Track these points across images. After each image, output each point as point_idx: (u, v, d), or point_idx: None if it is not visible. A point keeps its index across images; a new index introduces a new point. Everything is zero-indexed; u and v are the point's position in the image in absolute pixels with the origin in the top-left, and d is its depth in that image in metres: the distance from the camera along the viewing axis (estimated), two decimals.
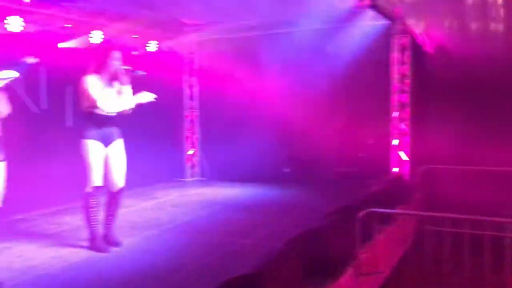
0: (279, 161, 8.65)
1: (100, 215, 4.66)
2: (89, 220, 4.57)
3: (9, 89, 3.95)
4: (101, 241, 4.60)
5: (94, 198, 4.54)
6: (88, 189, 4.52)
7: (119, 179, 4.70)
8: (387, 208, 4.90)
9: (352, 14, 7.16)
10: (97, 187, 4.55)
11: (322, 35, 7.77)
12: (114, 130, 4.66)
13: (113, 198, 4.73)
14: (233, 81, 8.54)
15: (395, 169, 7.70)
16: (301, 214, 6.11)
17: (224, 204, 6.83)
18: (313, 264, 3.67)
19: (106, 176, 4.65)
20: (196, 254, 4.55)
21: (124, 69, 4.55)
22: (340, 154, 8.14)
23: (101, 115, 4.53)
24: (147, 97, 4.72)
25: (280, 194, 7.57)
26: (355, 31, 7.52)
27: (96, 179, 4.53)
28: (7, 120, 3.89)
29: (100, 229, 4.63)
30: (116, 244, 4.71)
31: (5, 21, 5.88)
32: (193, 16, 8.17)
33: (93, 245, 4.57)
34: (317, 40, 7.79)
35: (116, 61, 4.54)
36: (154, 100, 4.78)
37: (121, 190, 4.73)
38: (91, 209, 4.54)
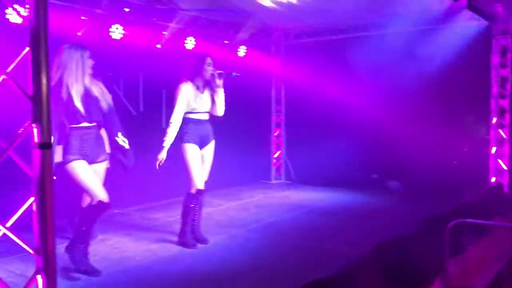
0: (367, 167, 8.45)
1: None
2: (185, 218, 4.80)
3: (111, 91, 4.30)
4: (191, 237, 4.83)
5: (195, 200, 4.77)
6: (192, 191, 4.75)
7: (204, 177, 4.93)
8: (482, 220, 4.60)
9: (447, 15, 6.84)
10: (200, 190, 4.76)
11: (415, 37, 7.50)
12: (209, 132, 4.89)
13: (200, 194, 4.93)
14: (320, 85, 8.51)
15: (493, 179, 7.21)
16: (387, 221, 5.93)
17: (308, 207, 6.82)
18: (399, 273, 3.57)
19: None
20: (277, 255, 4.60)
21: (218, 73, 4.74)
22: (433, 161, 7.76)
23: (196, 119, 4.76)
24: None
25: (367, 200, 7.38)
26: (450, 32, 7.16)
27: (199, 183, 4.75)
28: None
29: (190, 228, 4.86)
30: (203, 241, 4.90)
31: (110, 30, 6.39)
32: (282, 20, 8.27)
33: (182, 241, 4.81)
34: (409, 42, 7.53)
35: (209, 67, 4.75)
36: None
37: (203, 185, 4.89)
38: (190, 209, 4.78)
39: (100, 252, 4.56)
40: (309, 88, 8.64)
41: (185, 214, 4.81)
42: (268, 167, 9.37)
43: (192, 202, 4.77)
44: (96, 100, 3.91)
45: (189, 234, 4.83)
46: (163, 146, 4.64)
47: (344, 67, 8.18)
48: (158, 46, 7.09)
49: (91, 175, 3.84)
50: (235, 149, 7.80)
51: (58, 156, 3.73)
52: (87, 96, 3.85)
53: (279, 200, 7.44)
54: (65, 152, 3.78)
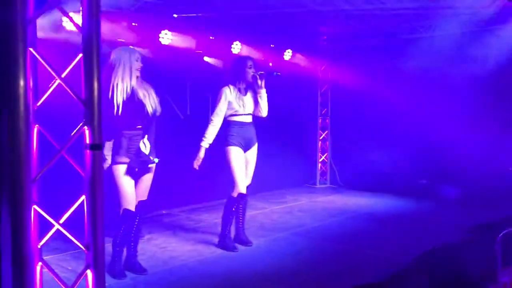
0: (415, 172, 8.23)
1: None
2: (226, 221, 4.84)
3: (161, 95, 4.41)
4: (231, 240, 4.86)
5: (237, 204, 4.82)
6: (234, 194, 4.80)
7: (248, 180, 4.99)
8: None
9: (502, 16, 6.58)
10: (242, 194, 4.81)
11: (467, 39, 7.26)
12: (253, 135, 4.94)
13: (242, 198, 5.00)
14: (367, 88, 8.40)
15: None
16: (437, 228, 5.76)
17: (353, 212, 6.73)
18: (448, 281, 3.47)
19: None
20: (321, 259, 4.58)
21: (259, 74, 4.78)
22: (486, 167, 7.46)
23: (240, 121, 4.82)
24: None
25: (415, 207, 7.20)
26: (505, 33, 6.89)
27: (242, 187, 4.79)
28: (159, 124, 4.37)
29: (231, 230, 4.89)
30: (247, 243, 4.95)
31: (159, 35, 6.57)
32: (329, 23, 8.21)
33: (223, 244, 4.83)
34: (461, 44, 7.30)
35: (250, 69, 4.80)
36: None
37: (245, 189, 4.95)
38: (231, 212, 4.82)
39: (147, 251, 4.70)
40: (356, 91, 8.54)
41: (226, 217, 4.84)
42: (313, 170, 9.33)
43: (233, 205, 4.81)
44: (140, 104, 3.91)
45: (229, 237, 4.86)
46: (201, 146, 4.73)
47: (393, 70, 8.02)
48: (208, 60, 7.22)
49: (128, 183, 3.89)
50: (280, 152, 7.81)
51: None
52: (132, 99, 3.86)
53: (324, 204, 7.39)
54: (114, 153, 3.90)
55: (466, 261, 3.71)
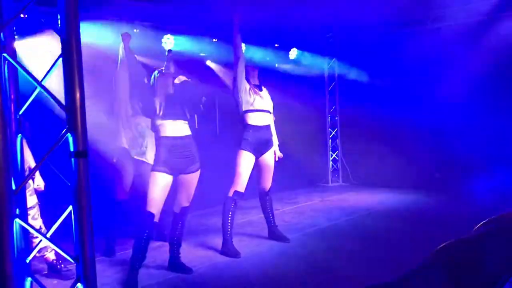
0: (429, 166, 8.06)
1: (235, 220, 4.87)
2: (225, 224, 4.73)
3: None
4: (233, 246, 4.72)
5: (234, 203, 4.75)
6: (230, 193, 4.75)
7: (268, 182, 5.05)
8: None
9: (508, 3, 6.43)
10: (239, 193, 4.75)
11: (474, 29, 7.10)
12: (269, 138, 4.91)
13: (265, 196, 5.08)
14: (376, 83, 8.26)
15: None
16: (452, 223, 5.59)
17: (367, 210, 6.59)
18: (463, 279, 3.34)
19: (259, 179, 5.03)
20: (336, 259, 4.46)
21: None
22: (497, 159, 7.23)
23: (256, 126, 4.78)
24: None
25: (430, 201, 7.05)
26: None
27: (240, 187, 4.75)
28: None
29: (232, 234, 4.76)
30: (284, 239, 5.04)
31: (162, 40, 6.53)
32: (333, 20, 8.11)
33: (225, 250, 4.70)
34: (469, 34, 7.15)
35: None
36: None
37: (269, 191, 5.11)
38: (229, 212, 4.74)
39: (158, 258, 4.63)
40: (364, 88, 8.41)
41: (224, 218, 4.74)
42: (325, 169, 9.20)
43: (231, 204, 4.74)
44: None
45: (230, 242, 4.73)
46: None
47: (401, 63, 7.87)
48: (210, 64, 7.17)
49: (159, 190, 3.98)
50: (291, 152, 7.70)
51: None
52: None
53: (337, 203, 7.26)
54: (155, 159, 4.06)
55: (485, 255, 3.57)
